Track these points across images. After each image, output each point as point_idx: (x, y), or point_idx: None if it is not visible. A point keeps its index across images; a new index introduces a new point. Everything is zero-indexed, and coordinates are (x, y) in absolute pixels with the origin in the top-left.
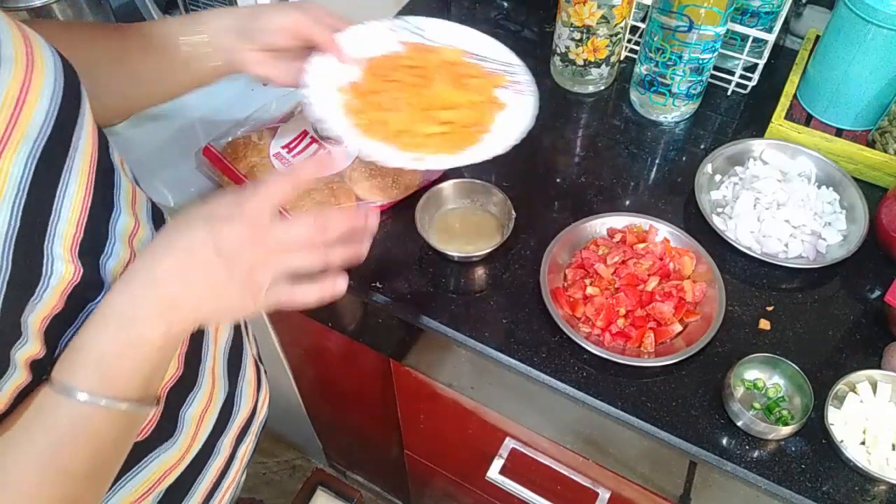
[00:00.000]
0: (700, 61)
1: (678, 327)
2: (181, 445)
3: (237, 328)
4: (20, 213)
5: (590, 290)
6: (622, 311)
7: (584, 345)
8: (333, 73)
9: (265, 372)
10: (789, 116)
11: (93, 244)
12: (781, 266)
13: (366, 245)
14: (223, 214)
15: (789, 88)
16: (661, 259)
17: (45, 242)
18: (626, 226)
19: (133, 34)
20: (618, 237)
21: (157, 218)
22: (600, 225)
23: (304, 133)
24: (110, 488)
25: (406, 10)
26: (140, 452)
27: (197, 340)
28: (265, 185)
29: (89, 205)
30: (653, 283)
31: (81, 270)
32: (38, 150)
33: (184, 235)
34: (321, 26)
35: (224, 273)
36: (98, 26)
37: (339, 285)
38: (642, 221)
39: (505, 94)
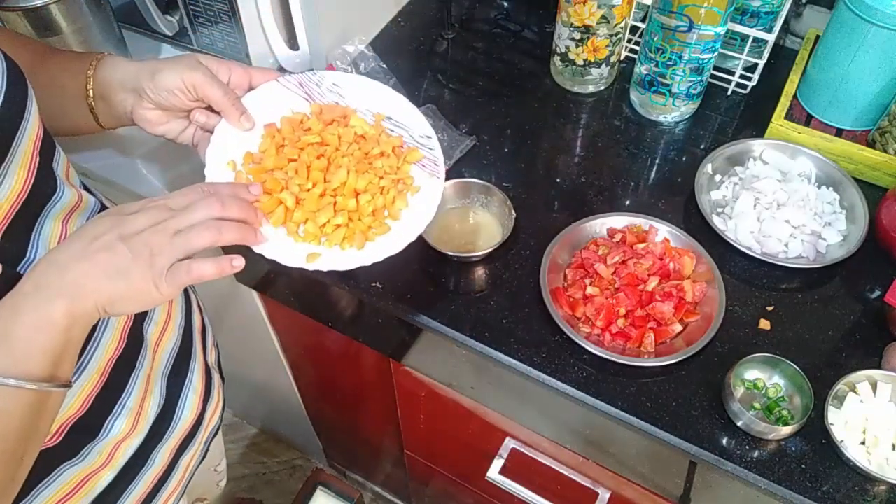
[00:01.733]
0: (700, 61)
1: (678, 327)
2: (102, 451)
3: (185, 335)
4: None
5: (590, 290)
6: (622, 311)
7: (584, 345)
8: (232, 141)
9: (222, 380)
10: (789, 116)
11: (15, 249)
12: (781, 266)
13: (238, 261)
14: (131, 208)
15: (789, 88)
16: (661, 259)
17: None
18: (626, 226)
19: (50, 63)
20: (618, 237)
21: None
22: (600, 225)
23: None
24: (26, 495)
25: (406, 11)
26: (55, 459)
27: (130, 348)
28: (179, 192)
29: (17, 207)
30: (653, 283)
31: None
32: None
33: (91, 226)
34: (215, 86)
35: (127, 256)
36: (24, 42)
37: (235, 262)
38: (642, 221)
39: (418, 173)
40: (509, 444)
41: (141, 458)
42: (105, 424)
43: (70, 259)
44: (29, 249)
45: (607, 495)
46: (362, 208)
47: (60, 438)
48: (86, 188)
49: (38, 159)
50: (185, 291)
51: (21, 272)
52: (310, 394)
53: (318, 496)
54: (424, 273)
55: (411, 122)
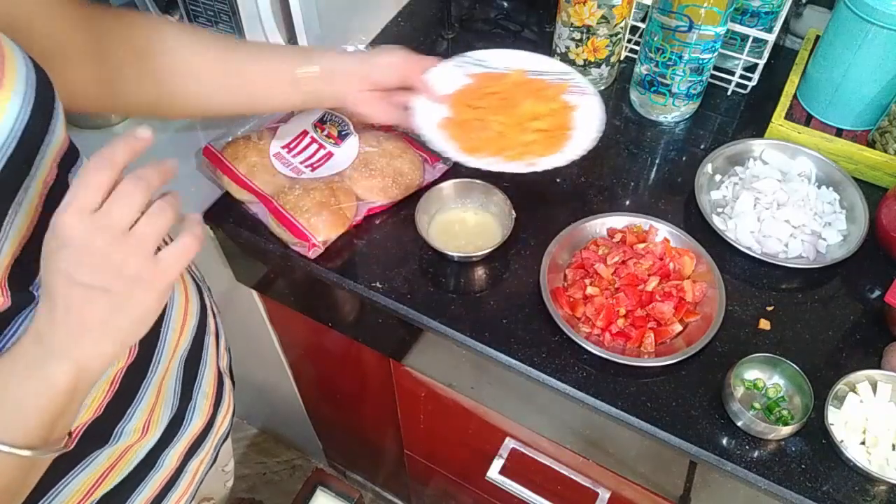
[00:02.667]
0: (700, 61)
1: (678, 327)
2: (112, 455)
3: (197, 340)
4: None
5: (590, 290)
6: (622, 311)
7: (584, 345)
8: (429, 111)
9: (233, 385)
10: (789, 116)
11: (26, 270)
12: (781, 266)
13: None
14: (51, 251)
15: (789, 88)
16: (661, 259)
17: None
18: (626, 226)
19: (248, 52)
20: (618, 237)
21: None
22: (600, 225)
23: (304, 133)
24: (45, 495)
25: (406, 11)
26: (64, 466)
27: (143, 356)
28: (79, 187)
29: (34, 225)
30: (653, 283)
31: (10, 301)
32: None
33: (50, 281)
34: (417, 69)
35: (99, 294)
36: (214, 37)
37: (192, 217)
38: (642, 221)
39: (572, 98)
40: (509, 444)
41: (149, 461)
42: (116, 430)
43: (61, 316)
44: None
45: (607, 495)
46: (548, 126)
47: (73, 446)
48: None
49: (56, 171)
50: (200, 294)
51: (34, 292)
52: (310, 394)
53: (318, 496)
54: (424, 273)
55: (547, 67)
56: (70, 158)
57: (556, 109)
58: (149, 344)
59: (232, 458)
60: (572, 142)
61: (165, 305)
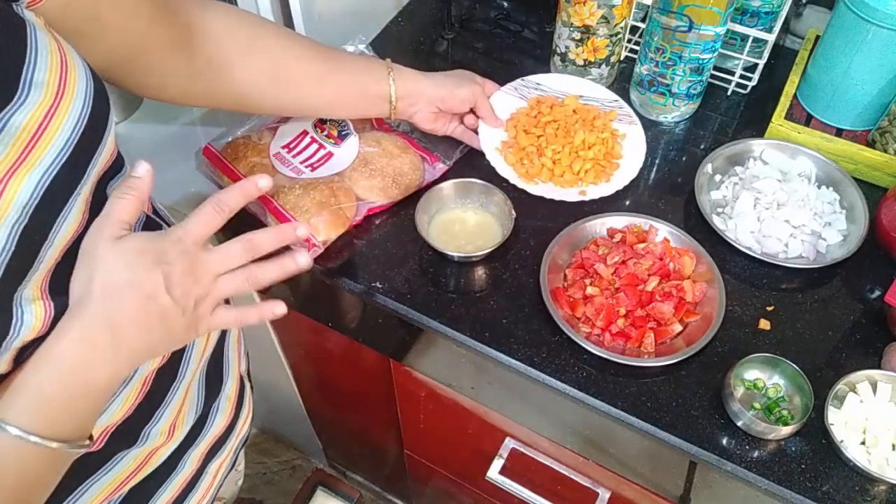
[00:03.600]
0: (700, 61)
1: (678, 327)
2: (138, 457)
3: (220, 343)
4: (17, 238)
5: (590, 290)
6: (622, 311)
7: (584, 345)
8: (489, 135)
9: (251, 389)
10: (789, 116)
11: (62, 277)
12: (781, 266)
13: (303, 257)
14: (167, 255)
15: (789, 88)
16: (661, 259)
17: (26, 278)
18: (626, 226)
19: (336, 62)
20: (618, 237)
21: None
22: (600, 225)
23: (304, 133)
24: (72, 493)
25: (406, 11)
26: (91, 467)
27: (174, 359)
28: (195, 220)
29: (78, 234)
30: (653, 283)
31: (53, 310)
32: (50, 178)
33: (140, 277)
34: (486, 102)
35: (178, 314)
36: (308, 42)
37: (276, 310)
38: (642, 221)
39: (620, 126)
40: (509, 444)
41: (172, 463)
42: (143, 432)
43: (127, 322)
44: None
45: (607, 495)
46: (598, 154)
47: (101, 446)
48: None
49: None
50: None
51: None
52: (310, 394)
53: (318, 496)
54: (424, 273)
55: (599, 94)
56: (115, 168)
57: (605, 139)
58: (179, 349)
59: (244, 457)
60: (619, 171)
61: None
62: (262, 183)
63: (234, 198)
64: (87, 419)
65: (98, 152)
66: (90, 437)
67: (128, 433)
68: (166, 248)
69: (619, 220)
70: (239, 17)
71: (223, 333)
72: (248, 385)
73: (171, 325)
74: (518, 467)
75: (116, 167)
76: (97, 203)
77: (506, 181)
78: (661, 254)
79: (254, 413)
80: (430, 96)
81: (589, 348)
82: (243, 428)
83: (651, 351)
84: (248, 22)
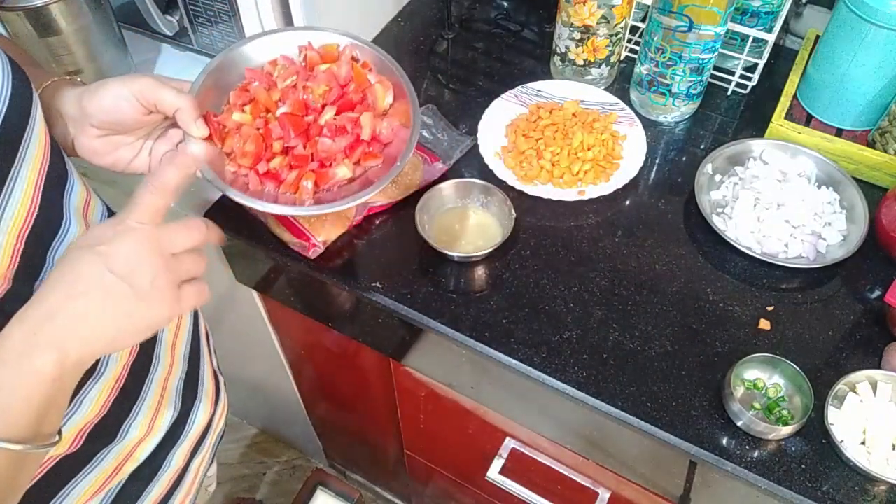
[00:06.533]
0: (700, 61)
1: (345, 171)
2: (119, 454)
3: (196, 339)
4: None
5: (237, 117)
6: (277, 146)
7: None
8: (489, 140)
9: (224, 384)
10: (789, 116)
11: (33, 257)
12: (781, 266)
13: (196, 145)
14: (105, 237)
15: (789, 88)
16: (344, 87)
17: None
18: (323, 44)
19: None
20: (303, 55)
21: None
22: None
23: None
24: (55, 496)
25: (406, 11)
26: (74, 468)
27: (145, 350)
28: (137, 202)
29: (35, 214)
30: (328, 115)
31: (12, 280)
32: None
33: (70, 265)
34: (166, 88)
35: (125, 289)
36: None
37: (206, 290)
38: (340, 39)
39: (620, 128)
40: (509, 444)
41: (157, 461)
42: (122, 428)
43: (58, 305)
44: (47, 258)
45: (607, 495)
46: (597, 155)
47: (79, 445)
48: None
49: (42, 183)
50: None
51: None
52: (310, 394)
53: (318, 496)
54: (424, 273)
55: (599, 98)
56: (57, 147)
57: (605, 140)
58: (148, 341)
59: (215, 462)
60: (619, 171)
61: None
62: (193, 148)
63: (168, 173)
64: (48, 414)
65: (28, 132)
66: (59, 434)
67: (106, 431)
68: (104, 230)
69: (319, 37)
70: None
71: (195, 329)
72: (221, 380)
73: (118, 302)
74: (518, 467)
75: (57, 147)
76: (52, 184)
77: (504, 183)
78: (345, 80)
79: (253, 414)
80: (74, 111)
81: (235, 196)
82: (220, 423)
83: (310, 199)
84: None
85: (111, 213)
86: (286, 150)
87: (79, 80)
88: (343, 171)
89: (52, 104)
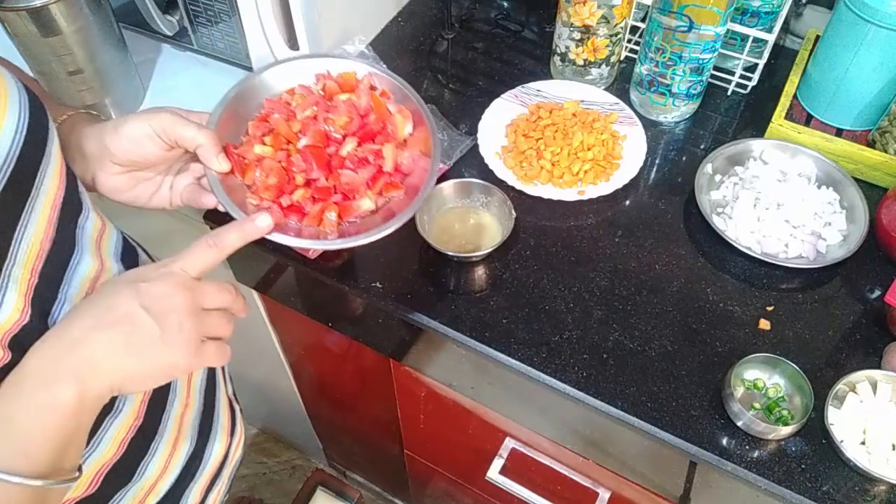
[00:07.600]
0: (700, 61)
1: (368, 203)
2: (137, 494)
3: (210, 370)
4: None
5: (258, 150)
6: (300, 179)
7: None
8: (489, 140)
9: (241, 411)
10: (789, 116)
11: (46, 291)
12: (781, 266)
13: (263, 219)
14: (148, 276)
15: (789, 88)
16: (364, 117)
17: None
18: (341, 73)
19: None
20: (321, 85)
21: (128, 256)
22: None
23: None
24: None
25: (406, 11)
26: (98, 502)
27: (161, 388)
28: (189, 252)
29: (48, 247)
30: (349, 147)
31: (29, 314)
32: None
33: (106, 296)
34: (187, 124)
35: (153, 326)
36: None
37: (228, 352)
38: (359, 67)
39: (620, 128)
40: (509, 444)
41: (171, 498)
42: (139, 467)
43: (84, 333)
44: (60, 291)
45: (607, 495)
46: (597, 155)
47: (97, 487)
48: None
49: (57, 214)
50: None
51: (53, 313)
52: (310, 394)
53: (318, 496)
54: (424, 273)
55: (599, 98)
56: (72, 177)
57: (605, 140)
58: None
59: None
60: (619, 171)
61: None
62: (262, 222)
63: (230, 237)
64: (68, 449)
65: (45, 163)
66: (80, 469)
67: (123, 471)
68: (148, 269)
69: (337, 65)
70: None
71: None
72: (237, 408)
73: (144, 338)
74: (518, 467)
75: (72, 177)
76: (67, 214)
77: (504, 183)
78: (365, 110)
79: (253, 414)
80: (95, 148)
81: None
82: (236, 453)
83: (333, 231)
84: None
85: (126, 242)
86: (308, 183)
87: (94, 113)
88: (367, 204)
89: (70, 140)
